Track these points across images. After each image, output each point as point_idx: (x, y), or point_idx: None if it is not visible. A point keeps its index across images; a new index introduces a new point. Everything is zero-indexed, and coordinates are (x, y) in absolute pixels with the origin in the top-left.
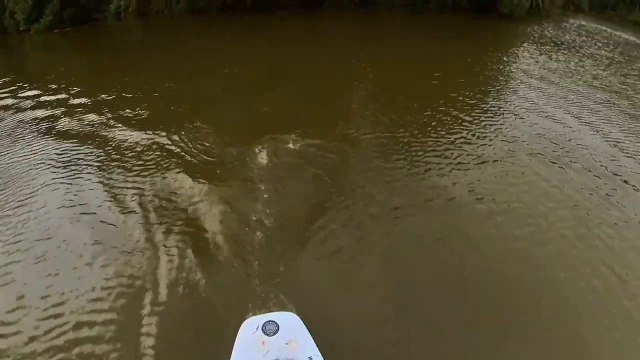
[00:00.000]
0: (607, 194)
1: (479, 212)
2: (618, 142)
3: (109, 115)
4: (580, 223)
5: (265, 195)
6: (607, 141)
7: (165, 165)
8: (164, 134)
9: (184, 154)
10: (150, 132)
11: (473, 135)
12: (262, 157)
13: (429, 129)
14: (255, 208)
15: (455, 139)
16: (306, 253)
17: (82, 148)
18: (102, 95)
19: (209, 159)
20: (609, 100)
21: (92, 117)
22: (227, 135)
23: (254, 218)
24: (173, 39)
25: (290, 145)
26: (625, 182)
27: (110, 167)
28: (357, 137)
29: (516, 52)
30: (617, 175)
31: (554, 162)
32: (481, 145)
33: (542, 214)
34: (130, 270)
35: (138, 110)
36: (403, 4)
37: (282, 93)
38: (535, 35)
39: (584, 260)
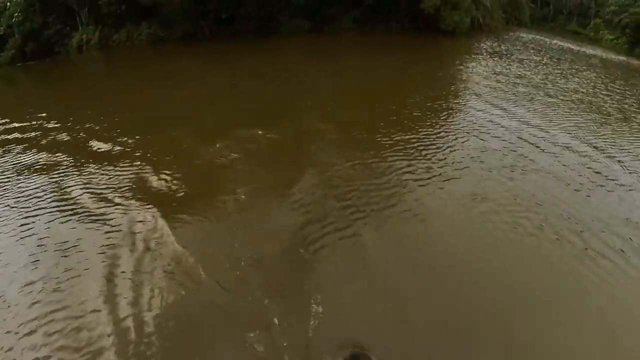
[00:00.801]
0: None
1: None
2: (535, 124)
3: (72, 144)
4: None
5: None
6: (525, 122)
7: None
8: (127, 162)
9: (146, 181)
10: (114, 161)
11: (422, 139)
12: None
13: (385, 140)
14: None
15: (403, 140)
16: None
17: (43, 178)
18: (65, 124)
19: (170, 181)
20: (530, 93)
21: (55, 145)
22: (186, 157)
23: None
24: (135, 69)
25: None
26: (533, 161)
27: (74, 196)
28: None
29: (457, 62)
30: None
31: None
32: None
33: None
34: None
35: (100, 140)
36: (352, 27)
37: (241, 109)
38: (475, 48)
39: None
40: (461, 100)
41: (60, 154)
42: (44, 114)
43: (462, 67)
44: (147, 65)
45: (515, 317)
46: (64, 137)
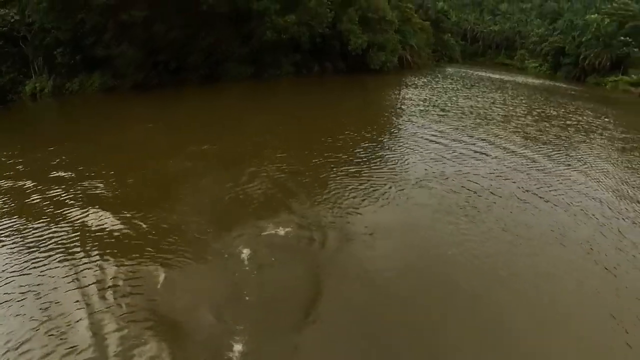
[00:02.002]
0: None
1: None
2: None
3: (21, 195)
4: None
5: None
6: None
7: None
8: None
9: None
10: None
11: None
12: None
13: (328, 169)
14: None
15: (337, 163)
16: None
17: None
18: (13, 173)
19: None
20: (428, 111)
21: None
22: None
23: None
24: (87, 117)
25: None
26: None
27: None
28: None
29: (377, 94)
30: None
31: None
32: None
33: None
34: None
35: (48, 189)
36: (289, 72)
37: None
38: (397, 82)
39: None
40: (378, 119)
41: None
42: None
43: (381, 97)
44: (99, 112)
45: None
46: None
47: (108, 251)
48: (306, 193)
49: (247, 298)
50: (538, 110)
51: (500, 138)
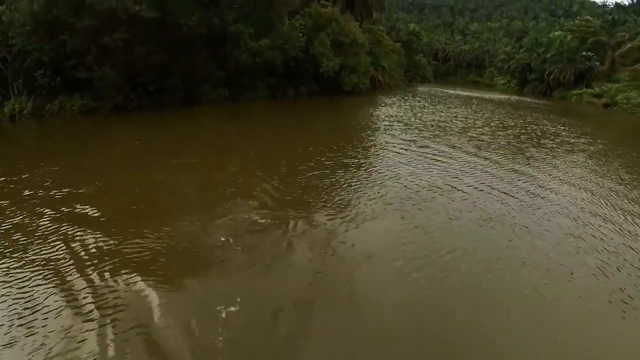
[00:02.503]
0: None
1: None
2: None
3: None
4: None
5: None
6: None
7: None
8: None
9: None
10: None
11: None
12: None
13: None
14: None
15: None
16: None
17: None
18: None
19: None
20: (402, 129)
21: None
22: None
23: None
24: (67, 137)
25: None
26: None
27: None
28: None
29: (354, 113)
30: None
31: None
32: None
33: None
34: None
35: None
36: (265, 95)
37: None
38: (367, 102)
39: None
40: (347, 136)
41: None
42: None
43: (351, 117)
44: (80, 133)
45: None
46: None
47: (99, 270)
48: (281, 205)
49: None
50: (496, 122)
51: (453, 146)
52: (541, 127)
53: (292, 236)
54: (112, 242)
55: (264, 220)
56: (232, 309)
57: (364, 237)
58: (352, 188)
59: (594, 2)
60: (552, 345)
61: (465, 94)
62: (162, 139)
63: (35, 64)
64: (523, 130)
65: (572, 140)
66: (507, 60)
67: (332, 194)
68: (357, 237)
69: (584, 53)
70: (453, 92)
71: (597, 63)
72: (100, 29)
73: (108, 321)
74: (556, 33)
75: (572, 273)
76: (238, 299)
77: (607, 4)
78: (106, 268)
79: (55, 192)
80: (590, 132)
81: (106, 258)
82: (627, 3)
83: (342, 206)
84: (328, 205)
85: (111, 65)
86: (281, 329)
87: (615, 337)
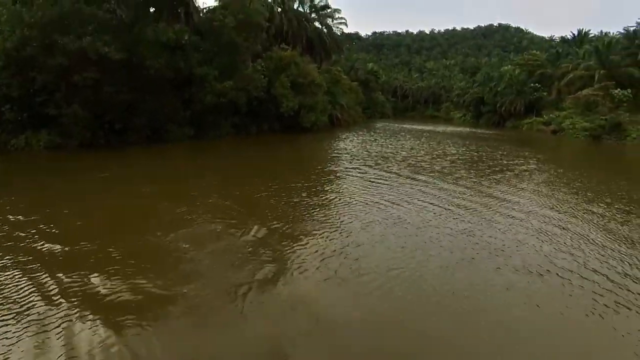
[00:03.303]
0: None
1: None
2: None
3: None
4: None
5: None
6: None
7: None
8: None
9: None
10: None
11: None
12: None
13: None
14: None
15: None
16: None
17: None
18: None
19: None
20: (348, 159)
21: None
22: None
23: None
24: (32, 172)
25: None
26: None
27: None
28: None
29: (310, 149)
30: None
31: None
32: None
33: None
34: None
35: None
36: (229, 133)
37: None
38: (323, 138)
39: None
40: (301, 167)
41: None
42: None
43: (307, 152)
44: (45, 168)
45: None
46: None
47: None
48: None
49: None
50: (439, 151)
51: (389, 171)
52: (480, 153)
53: (246, 240)
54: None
55: (219, 228)
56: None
57: (298, 244)
58: (292, 205)
59: (542, 37)
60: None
61: (420, 127)
62: (127, 172)
63: (3, 99)
64: (461, 157)
65: (505, 162)
66: (462, 94)
67: (279, 212)
68: (293, 244)
69: (532, 85)
70: (408, 126)
71: (545, 93)
72: (71, 68)
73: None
74: (506, 67)
75: (499, 268)
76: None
77: (553, 38)
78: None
79: (20, 218)
80: (525, 155)
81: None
82: (570, 37)
83: (282, 219)
84: (273, 219)
85: (80, 103)
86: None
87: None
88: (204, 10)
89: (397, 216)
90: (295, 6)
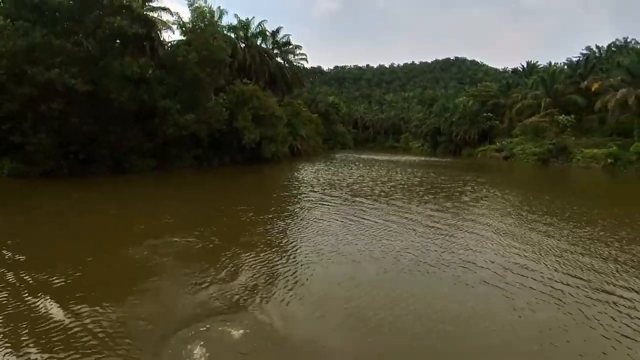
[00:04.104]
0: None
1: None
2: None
3: None
4: None
5: None
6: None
7: None
8: None
9: None
10: None
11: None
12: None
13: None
14: None
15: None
16: None
17: None
18: None
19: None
20: (298, 186)
21: None
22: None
23: None
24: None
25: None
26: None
27: None
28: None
29: (270, 179)
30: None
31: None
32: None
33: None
34: None
35: None
36: (192, 165)
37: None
38: (282, 168)
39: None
40: (260, 196)
41: None
42: None
43: (267, 181)
44: (7, 195)
45: None
46: None
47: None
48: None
49: None
50: (385, 178)
51: (331, 195)
52: (422, 179)
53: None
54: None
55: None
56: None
57: (236, 256)
58: (239, 224)
59: (497, 68)
60: None
61: (376, 157)
62: (88, 199)
63: None
64: (403, 183)
65: (442, 185)
66: (420, 125)
67: (234, 233)
68: (229, 252)
69: (485, 114)
70: (365, 156)
71: (497, 122)
72: (39, 98)
73: None
74: (460, 99)
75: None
76: None
77: (507, 69)
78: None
79: None
80: (465, 179)
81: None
82: (520, 68)
83: (223, 231)
84: (224, 238)
85: (46, 132)
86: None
87: None
88: (170, 43)
89: (324, 230)
90: (259, 42)
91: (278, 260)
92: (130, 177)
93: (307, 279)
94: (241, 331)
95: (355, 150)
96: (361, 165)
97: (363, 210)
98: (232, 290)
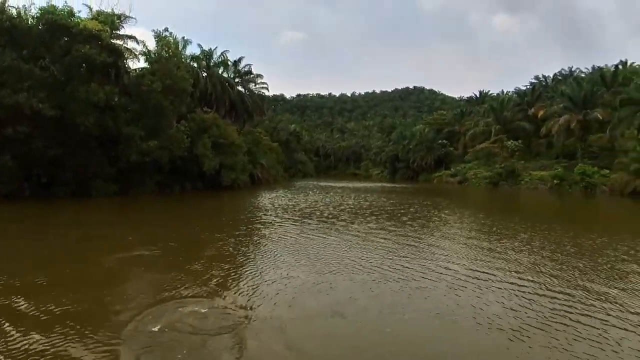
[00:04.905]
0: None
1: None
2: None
3: None
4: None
5: None
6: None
7: None
8: None
9: None
10: None
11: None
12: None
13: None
14: None
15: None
16: None
17: None
18: None
19: None
20: (253, 212)
21: None
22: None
23: None
24: None
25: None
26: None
27: None
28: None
29: (229, 205)
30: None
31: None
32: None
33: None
34: None
35: None
36: (153, 190)
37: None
38: (243, 195)
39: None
40: (210, 217)
41: None
42: None
43: (225, 208)
44: None
45: None
46: None
47: None
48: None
49: None
50: (336, 203)
51: (282, 217)
52: (371, 203)
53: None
54: None
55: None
56: None
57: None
58: (196, 244)
59: (453, 97)
60: None
61: (335, 184)
62: (50, 221)
63: None
64: (352, 207)
65: (388, 208)
66: (379, 152)
67: (196, 253)
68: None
69: (440, 141)
70: (324, 184)
71: (452, 148)
72: (5, 120)
73: None
74: (418, 127)
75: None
76: None
77: (462, 98)
78: None
79: None
80: (412, 202)
81: None
82: (474, 97)
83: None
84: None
85: (10, 154)
86: None
87: None
88: (135, 71)
89: (268, 245)
90: (220, 71)
91: (229, 268)
92: (92, 201)
93: (239, 277)
94: (191, 309)
95: (317, 178)
96: (317, 191)
97: (308, 229)
98: (187, 285)
